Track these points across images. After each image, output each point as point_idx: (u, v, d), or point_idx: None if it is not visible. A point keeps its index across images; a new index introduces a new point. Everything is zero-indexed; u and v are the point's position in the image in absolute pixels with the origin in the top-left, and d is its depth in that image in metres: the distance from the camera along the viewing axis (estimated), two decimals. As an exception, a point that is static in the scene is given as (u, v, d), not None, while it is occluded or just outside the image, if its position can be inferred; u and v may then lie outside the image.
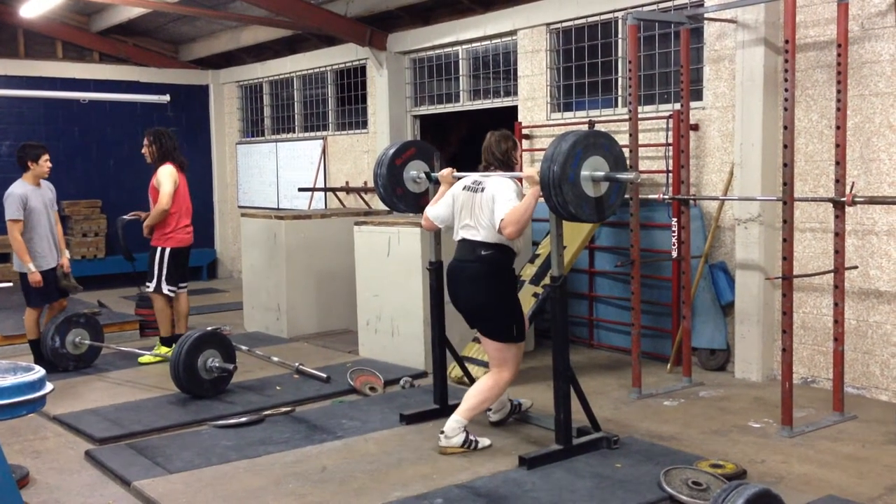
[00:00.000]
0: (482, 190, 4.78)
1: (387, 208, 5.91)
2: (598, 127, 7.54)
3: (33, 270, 6.66)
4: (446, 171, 5.24)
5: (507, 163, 4.92)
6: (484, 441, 4.90)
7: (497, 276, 4.80)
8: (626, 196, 6.32)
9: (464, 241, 4.87)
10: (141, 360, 7.16)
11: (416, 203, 5.57)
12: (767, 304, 6.24)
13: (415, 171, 5.58)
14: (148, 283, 7.23)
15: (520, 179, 4.78)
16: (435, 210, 5.10)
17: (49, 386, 3.31)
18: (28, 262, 6.64)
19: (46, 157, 6.88)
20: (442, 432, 4.81)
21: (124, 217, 7.48)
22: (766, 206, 6.18)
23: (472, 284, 4.82)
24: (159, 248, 7.20)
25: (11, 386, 3.14)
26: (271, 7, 9.40)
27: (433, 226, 5.16)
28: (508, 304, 4.83)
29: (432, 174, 5.48)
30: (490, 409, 5.15)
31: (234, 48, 11.95)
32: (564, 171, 4.26)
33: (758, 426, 5.26)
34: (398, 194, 5.57)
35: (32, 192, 6.77)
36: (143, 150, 7.31)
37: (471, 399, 4.83)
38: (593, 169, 4.37)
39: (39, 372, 3.29)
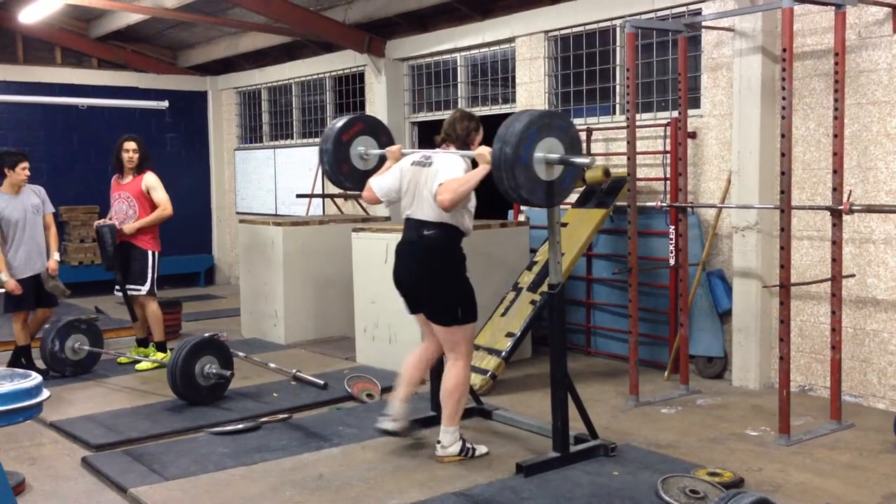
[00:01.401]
0: (430, 165, 4.63)
1: (386, 214, 5.91)
2: (595, 134, 7.56)
3: (6, 280, 6.63)
4: (395, 147, 5.08)
5: (465, 142, 4.74)
6: (481, 448, 4.87)
7: (442, 257, 4.65)
8: (624, 204, 6.34)
9: (409, 220, 4.72)
10: (138, 367, 7.15)
11: (362, 181, 5.24)
12: (765, 312, 6.25)
13: (362, 148, 5.37)
14: (139, 287, 7.20)
15: (472, 160, 4.60)
16: (379, 181, 4.90)
17: (46, 392, 3.29)
18: (1, 272, 6.62)
19: (25, 164, 6.84)
20: (438, 442, 4.78)
21: (107, 223, 7.36)
22: (763, 214, 6.19)
23: (416, 265, 4.68)
24: (150, 252, 7.21)
25: (8, 392, 3.12)
26: (270, 14, 9.41)
27: (374, 198, 4.94)
28: (453, 285, 4.67)
29: (381, 151, 5.28)
30: (388, 415, 4.89)
31: (232, 54, 11.97)
32: (517, 152, 4.09)
33: (755, 434, 5.25)
34: (344, 172, 5.35)
35: (8, 201, 6.75)
36: (129, 156, 7.27)
37: (447, 405, 4.76)
38: (548, 151, 4.20)
39: (36, 378, 3.28)
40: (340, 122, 5.38)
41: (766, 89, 6.14)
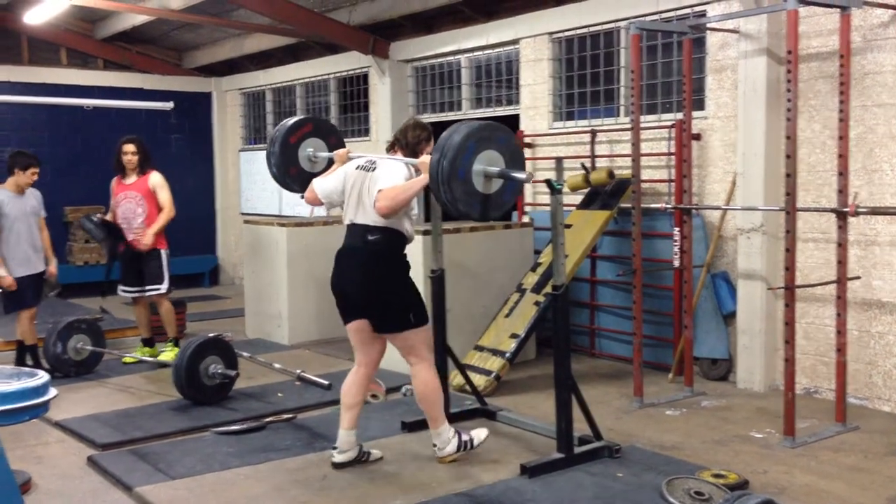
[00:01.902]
0: (374, 170, 4.56)
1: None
2: (600, 136, 7.56)
3: (3, 275, 6.67)
4: (343, 151, 4.99)
5: (414, 150, 4.64)
6: (479, 434, 4.85)
7: (386, 263, 4.55)
8: (629, 205, 6.35)
9: (352, 226, 4.61)
10: (156, 360, 7.21)
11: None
12: (770, 315, 6.24)
13: (311, 150, 5.26)
14: (158, 287, 7.24)
15: (416, 167, 4.49)
16: (322, 183, 4.79)
17: (53, 391, 3.31)
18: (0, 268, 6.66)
19: (35, 170, 6.89)
20: (434, 445, 4.76)
21: (99, 216, 7.38)
22: (768, 216, 6.18)
23: (360, 271, 4.54)
24: (163, 251, 7.27)
25: (15, 391, 3.15)
26: (275, 15, 9.43)
27: (316, 199, 4.80)
28: (399, 293, 4.57)
29: (329, 154, 5.18)
30: (336, 449, 4.74)
31: (237, 56, 12.00)
32: (454, 166, 3.99)
33: (760, 436, 5.25)
34: (292, 174, 5.23)
35: (11, 199, 6.78)
36: (128, 157, 7.32)
37: (425, 411, 4.73)
38: (487, 164, 4.11)
39: (43, 377, 3.30)
40: (288, 124, 5.27)
41: (771, 91, 6.14)
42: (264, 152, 5.54)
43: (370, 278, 4.53)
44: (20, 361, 6.92)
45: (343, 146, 5.24)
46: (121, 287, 7.46)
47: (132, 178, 7.34)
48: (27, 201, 6.91)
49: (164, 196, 7.28)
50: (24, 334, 6.96)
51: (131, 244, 7.29)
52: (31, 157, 6.97)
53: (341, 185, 4.70)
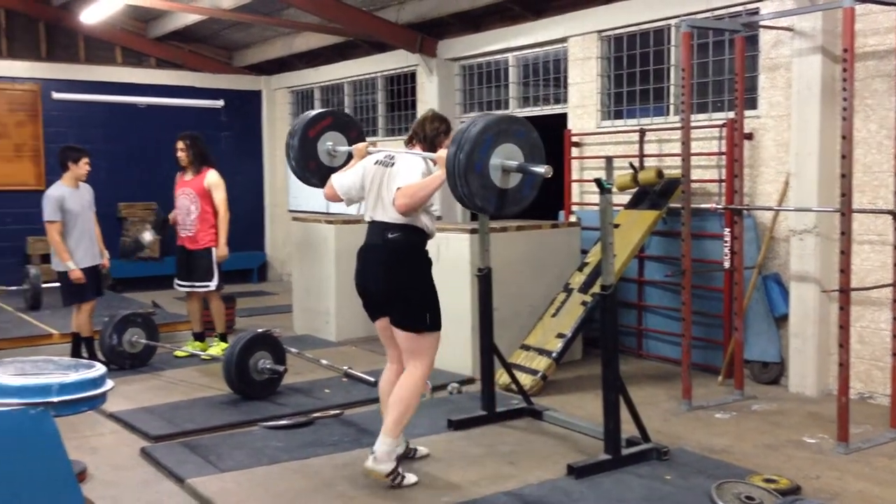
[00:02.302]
0: (392, 165, 4.48)
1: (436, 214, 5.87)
2: (648, 135, 7.49)
3: (73, 268, 6.83)
4: (362, 144, 4.89)
5: (432, 143, 4.55)
6: (410, 478, 4.46)
7: (406, 261, 4.46)
8: (678, 205, 6.28)
9: (373, 224, 4.53)
10: (204, 355, 7.33)
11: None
12: (823, 318, 6.13)
13: (330, 144, 5.16)
14: (207, 284, 7.37)
15: (434, 161, 4.41)
16: (340, 178, 4.71)
17: (109, 383, 3.39)
18: (67, 261, 6.82)
19: (87, 160, 7.04)
20: (372, 452, 4.42)
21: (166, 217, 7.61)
22: (822, 218, 6.07)
23: (380, 269, 4.46)
24: (214, 249, 7.37)
25: (74, 382, 3.23)
26: (324, 14, 9.51)
27: (334, 195, 4.72)
28: (419, 290, 4.47)
29: (349, 148, 5.08)
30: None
31: (286, 54, 12.12)
32: (471, 159, 3.89)
33: (813, 441, 5.16)
34: (311, 168, 5.15)
35: (70, 193, 6.94)
36: (179, 154, 7.45)
37: (393, 410, 4.42)
38: (505, 158, 3.99)
39: (101, 369, 3.38)
40: (307, 117, 5.18)
41: (825, 90, 6.02)
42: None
43: (391, 275, 4.45)
44: (76, 353, 7.08)
45: (363, 140, 5.14)
46: (176, 280, 7.61)
47: (190, 175, 7.47)
48: (83, 195, 7.08)
49: (219, 197, 7.35)
50: (80, 327, 7.11)
51: (184, 241, 7.43)
52: (79, 149, 7.14)
53: (360, 181, 4.62)
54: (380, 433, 4.44)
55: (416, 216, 4.41)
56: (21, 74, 11.47)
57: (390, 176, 4.44)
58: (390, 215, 4.41)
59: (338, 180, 4.73)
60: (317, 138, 5.16)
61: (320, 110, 5.43)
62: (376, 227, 4.51)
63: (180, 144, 7.46)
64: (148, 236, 7.66)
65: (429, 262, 4.57)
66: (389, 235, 4.43)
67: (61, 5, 11.40)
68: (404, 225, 4.41)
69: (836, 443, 5.03)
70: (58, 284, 7.14)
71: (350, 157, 5.01)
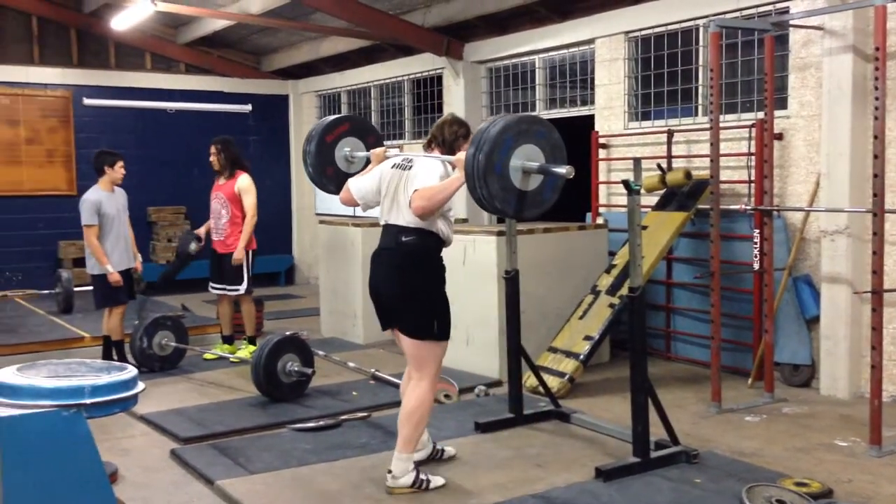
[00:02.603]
0: (409, 168, 4.42)
1: (463, 216, 5.86)
2: (677, 136, 7.44)
3: (111, 271, 6.90)
4: (380, 150, 4.84)
5: (451, 147, 4.49)
6: (437, 480, 4.44)
7: (419, 265, 4.38)
8: (706, 207, 6.23)
9: (387, 227, 4.47)
10: (232, 358, 7.38)
11: None
12: (855, 320, 6.05)
13: (348, 149, 5.14)
14: (236, 287, 7.42)
15: (453, 165, 4.36)
16: (357, 183, 4.67)
17: (141, 385, 3.42)
18: (106, 264, 6.90)
19: (121, 163, 7.13)
20: (389, 472, 4.38)
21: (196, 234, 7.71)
22: (854, 218, 5.99)
23: (392, 273, 4.40)
24: (245, 252, 7.40)
25: (106, 384, 3.26)
26: (351, 18, 9.56)
27: (351, 199, 4.69)
28: (429, 296, 4.40)
29: (367, 153, 5.07)
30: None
31: (313, 59, 12.19)
32: (490, 160, 3.82)
33: (844, 445, 5.09)
34: (328, 174, 5.13)
35: (107, 197, 7.02)
36: (211, 159, 7.53)
37: (403, 429, 4.38)
38: (526, 159, 3.92)
39: (132, 371, 3.41)
40: (324, 123, 5.18)
41: (857, 89, 5.95)
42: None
43: (401, 279, 4.38)
44: (107, 356, 7.16)
45: (382, 145, 5.11)
46: (210, 283, 7.67)
47: (223, 180, 7.53)
48: (119, 199, 7.18)
49: (248, 201, 7.38)
50: (111, 330, 7.19)
51: (216, 245, 7.50)
52: (114, 153, 7.24)
53: (377, 185, 4.56)
54: (394, 451, 4.41)
55: (433, 221, 4.35)
56: (53, 81, 11.65)
57: (407, 179, 4.39)
58: (406, 219, 4.35)
59: (354, 184, 4.70)
60: (334, 144, 5.15)
61: (337, 115, 5.45)
62: (390, 231, 4.45)
63: (212, 149, 7.54)
64: (193, 246, 7.73)
65: (442, 269, 4.49)
66: (403, 239, 4.36)
67: (92, 12, 11.56)
68: (419, 229, 4.34)
69: (868, 446, 4.96)
70: (90, 288, 7.23)
71: (368, 162, 5.00)
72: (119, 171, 7.11)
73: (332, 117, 5.29)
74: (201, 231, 7.81)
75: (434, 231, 4.38)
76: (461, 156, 4.11)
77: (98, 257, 6.91)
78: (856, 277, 6.01)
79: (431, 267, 4.44)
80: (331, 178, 5.14)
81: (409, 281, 4.38)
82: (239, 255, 7.38)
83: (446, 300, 4.49)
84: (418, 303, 4.39)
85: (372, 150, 4.92)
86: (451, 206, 4.46)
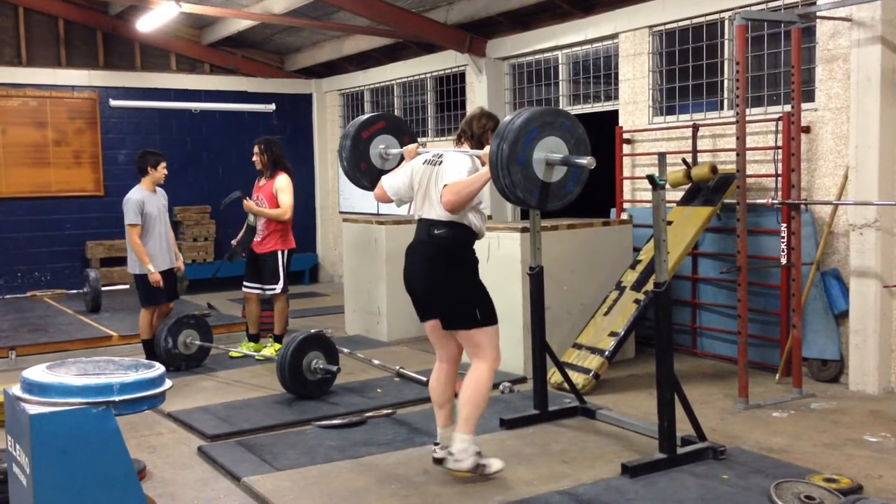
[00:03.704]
0: (440, 164, 4.49)
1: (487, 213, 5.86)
2: (702, 131, 7.38)
3: (153, 271, 6.96)
4: (412, 147, 4.93)
5: (480, 140, 4.56)
6: (496, 464, 4.50)
7: (451, 257, 4.44)
8: (733, 201, 6.17)
9: (421, 221, 4.55)
10: (258, 356, 7.41)
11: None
12: (884, 314, 5.97)
13: (383, 146, 5.27)
14: (273, 287, 7.44)
15: (481, 159, 4.41)
16: (390, 180, 4.78)
17: (168, 382, 3.45)
18: (147, 264, 6.95)
19: (164, 164, 7.21)
20: (451, 453, 4.46)
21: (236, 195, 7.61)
22: (883, 211, 5.91)
23: (428, 265, 4.46)
24: (280, 252, 7.45)
25: (134, 382, 3.29)
26: (373, 16, 9.57)
27: (385, 196, 4.81)
28: (465, 288, 4.46)
29: (400, 150, 5.17)
30: (437, 445, 4.71)
31: (336, 57, 12.23)
32: (514, 150, 3.89)
33: (874, 440, 5.03)
34: (362, 169, 5.25)
35: (149, 197, 7.09)
36: (254, 159, 7.58)
37: (464, 409, 4.44)
38: (549, 150, 3.97)
39: (159, 369, 3.44)
40: (361, 120, 5.31)
41: (886, 81, 5.86)
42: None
43: (436, 273, 4.45)
44: (149, 356, 7.19)
45: (415, 143, 5.18)
46: (244, 283, 7.69)
47: (263, 180, 7.57)
48: (160, 200, 7.24)
49: (284, 199, 7.40)
50: (144, 328, 7.23)
51: (252, 245, 7.53)
52: (157, 153, 7.31)
53: (409, 181, 4.66)
54: (455, 432, 4.49)
55: (464, 214, 4.41)
56: (80, 83, 11.77)
57: (438, 174, 4.47)
58: (437, 213, 4.43)
59: (388, 181, 4.80)
60: (369, 140, 5.28)
61: (374, 113, 5.53)
62: (423, 225, 4.54)
63: (256, 149, 7.58)
64: (252, 219, 7.64)
65: (475, 261, 4.57)
66: (435, 232, 4.45)
67: (118, 14, 11.67)
68: (451, 222, 4.42)
69: (900, 442, 4.90)
70: (125, 287, 7.25)
71: (401, 160, 5.07)
72: (161, 171, 7.18)
73: (370, 114, 5.42)
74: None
75: (466, 224, 4.45)
76: (488, 150, 4.14)
77: (140, 257, 6.96)
78: (885, 271, 5.93)
79: (463, 258, 4.51)
80: (364, 173, 5.28)
81: (443, 273, 4.45)
82: (248, 205, 7.32)
83: (482, 287, 4.55)
84: (454, 296, 4.45)
85: (405, 147, 5.02)
86: (482, 200, 4.50)
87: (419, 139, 11.26)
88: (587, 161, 3.96)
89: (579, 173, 4.10)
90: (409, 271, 4.60)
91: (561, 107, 9.09)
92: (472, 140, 4.61)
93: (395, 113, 11.86)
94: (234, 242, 7.62)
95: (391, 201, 4.82)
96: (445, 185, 4.30)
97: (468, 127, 4.64)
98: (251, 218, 7.48)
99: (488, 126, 4.59)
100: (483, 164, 4.33)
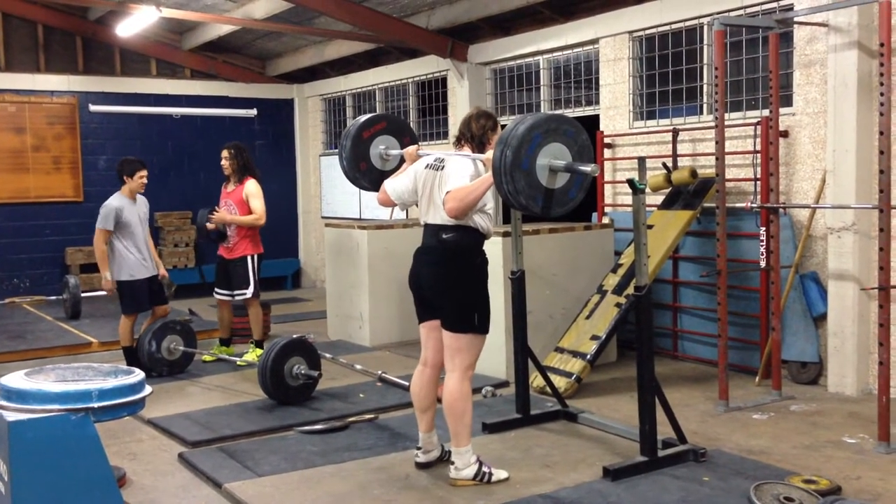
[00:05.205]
0: (442, 168, 4.49)
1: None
2: (682, 135, 7.43)
3: (108, 279, 6.95)
4: (412, 148, 4.89)
5: (481, 141, 4.53)
6: (500, 473, 4.54)
7: (460, 261, 4.46)
8: (713, 205, 6.22)
9: (427, 226, 4.57)
10: (239, 361, 7.36)
11: (380, 181, 5.03)
12: (862, 316, 6.03)
13: (383, 147, 5.25)
14: (244, 292, 7.42)
15: (483, 163, 4.43)
16: (393, 183, 4.76)
17: (148, 388, 3.44)
18: (104, 271, 6.95)
19: (143, 173, 7.13)
20: (452, 463, 4.51)
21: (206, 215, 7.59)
22: (860, 215, 5.98)
23: (435, 270, 4.49)
24: (250, 257, 7.43)
25: (113, 388, 3.28)
26: (355, 21, 9.58)
27: (388, 200, 4.79)
28: (471, 291, 4.46)
29: (400, 151, 5.16)
30: (419, 449, 4.75)
31: (318, 62, 12.21)
32: (518, 156, 3.90)
33: (853, 442, 5.08)
34: (361, 169, 5.23)
35: (128, 205, 7.05)
36: (222, 163, 7.54)
37: (450, 424, 4.47)
38: (553, 157, 3.99)
39: (139, 375, 3.42)
40: (362, 120, 5.30)
41: (862, 85, 5.93)
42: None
43: (445, 275, 4.47)
44: (129, 364, 7.16)
45: (416, 144, 5.17)
46: (215, 289, 7.67)
47: (232, 186, 7.54)
48: (140, 208, 7.20)
49: (256, 205, 7.37)
50: (124, 335, 7.18)
51: (222, 251, 7.50)
52: (136, 162, 7.22)
53: (412, 185, 4.66)
54: (452, 449, 4.52)
55: (470, 216, 4.42)
56: (59, 88, 11.70)
57: (441, 179, 4.47)
58: (443, 217, 4.43)
59: (391, 185, 4.78)
60: (370, 141, 5.28)
61: (376, 113, 5.51)
62: (431, 230, 4.55)
63: (225, 153, 7.54)
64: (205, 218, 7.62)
65: (484, 263, 4.57)
66: (444, 236, 4.46)
67: (97, 19, 11.61)
68: (459, 226, 4.42)
69: (876, 442, 4.95)
70: (104, 293, 7.24)
71: (401, 161, 5.08)
72: (139, 181, 7.10)
73: (371, 115, 5.42)
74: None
75: (473, 226, 4.45)
76: (490, 154, 4.16)
77: (99, 262, 6.93)
78: (863, 274, 5.99)
79: (472, 261, 4.51)
80: (364, 173, 5.27)
81: (450, 276, 4.47)
82: (217, 217, 7.32)
83: (486, 294, 4.56)
84: (460, 297, 4.45)
85: (405, 149, 4.99)
86: (487, 202, 4.48)
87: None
88: (591, 168, 4.01)
89: (582, 180, 4.13)
90: (418, 274, 4.61)
91: (543, 111, 9.12)
92: (473, 142, 4.58)
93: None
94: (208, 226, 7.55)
95: (395, 205, 4.85)
96: (448, 192, 4.31)
97: (467, 129, 4.60)
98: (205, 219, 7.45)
99: (488, 126, 4.57)
100: (486, 167, 4.34)
